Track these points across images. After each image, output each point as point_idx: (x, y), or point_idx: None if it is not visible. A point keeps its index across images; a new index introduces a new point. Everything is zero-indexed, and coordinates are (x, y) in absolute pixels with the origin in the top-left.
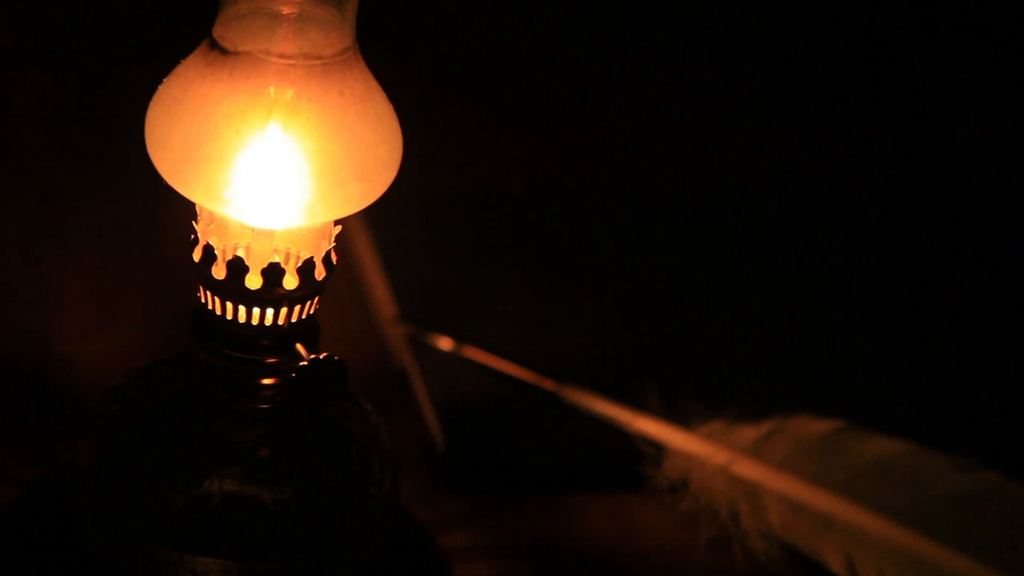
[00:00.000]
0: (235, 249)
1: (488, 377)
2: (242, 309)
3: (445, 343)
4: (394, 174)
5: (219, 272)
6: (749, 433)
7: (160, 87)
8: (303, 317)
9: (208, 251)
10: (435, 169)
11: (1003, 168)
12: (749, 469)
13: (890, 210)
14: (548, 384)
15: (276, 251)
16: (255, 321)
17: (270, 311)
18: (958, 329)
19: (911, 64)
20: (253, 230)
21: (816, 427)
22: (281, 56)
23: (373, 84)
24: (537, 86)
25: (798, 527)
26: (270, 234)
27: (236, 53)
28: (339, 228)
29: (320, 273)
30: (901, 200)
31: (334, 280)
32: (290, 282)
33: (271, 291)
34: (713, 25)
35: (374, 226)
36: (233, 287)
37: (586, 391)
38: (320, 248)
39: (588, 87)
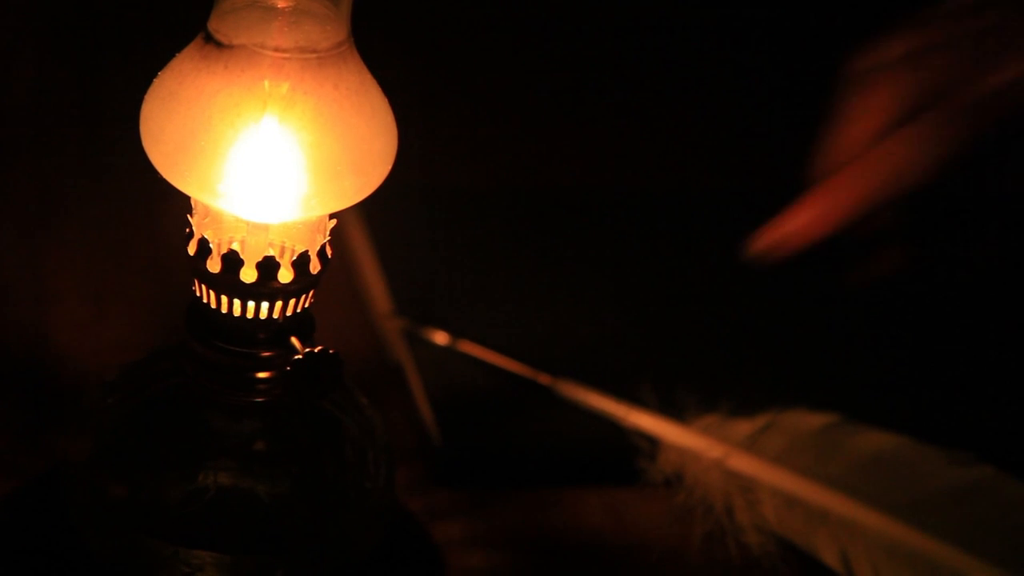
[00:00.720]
0: (230, 243)
1: (484, 371)
2: (237, 302)
3: (441, 337)
4: (389, 167)
5: (214, 266)
6: (744, 427)
7: (155, 80)
8: (298, 311)
9: (203, 245)
10: (431, 162)
11: (1002, 166)
12: (744, 463)
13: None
14: (544, 378)
15: (271, 245)
16: (250, 315)
17: (265, 305)
18: (954, 324)
19: None
20: (248, 224)
21: (811, 421)
22: (276, 49)
23: (368, 77)
24: (534, 80)
25: (793, 521)
26: (265, 228)
27: (231, 46)
28: (334, 222)
29: (315, 267)
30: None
31: (329, 274)
32: (285, 276)
33: (266, 285)
34: (714, 20)
35: (370, 220)
36: (228, 281)
37: (582, 385)
38: (315, 242)
39: (586, 82)
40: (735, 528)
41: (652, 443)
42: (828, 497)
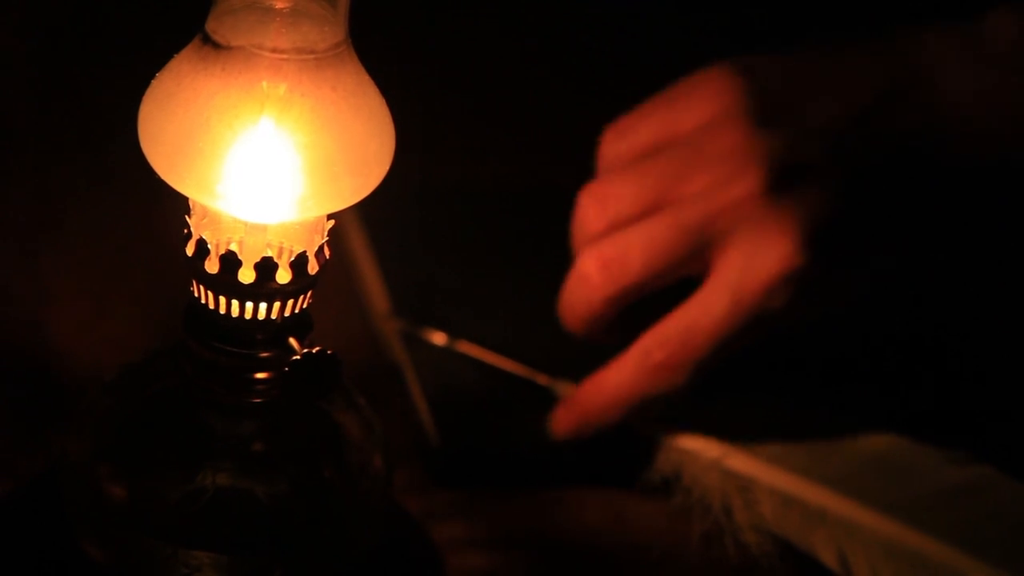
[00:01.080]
0: (228, 243)
1: (482, 372)
2: (235, 303)
3: (438, 338)
4: (387, 168)
5: (212, 266)
6: (742, 427)
7: (153, 82)
8: (296, 311)
9: (201, 245)
10: (429, 163)
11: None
12: (742, 463)
13: None
14: (542, 379)
15: (269, 245)
16: (248, 315)
17: (263, 305)
18: (950, 324)
19: None
20: (246, 224)
21: (809, 422)
22: (274, 51)
23: (365, 79)
24: (533, 79)
25: (791, 521)
26: (263, 228)
27: (229, 47)
28: (332, 222)
29: (313, 267)
30: None
31: (328, 274)
32: (283, 276)
33: (264, 285)
34: (714, 21)
35: (368, 220)
36: (226, 281)
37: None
38: (313, 242)
39: (586, 80)
40: (733, 528)
41: (650, 443)
42: (826, 496)
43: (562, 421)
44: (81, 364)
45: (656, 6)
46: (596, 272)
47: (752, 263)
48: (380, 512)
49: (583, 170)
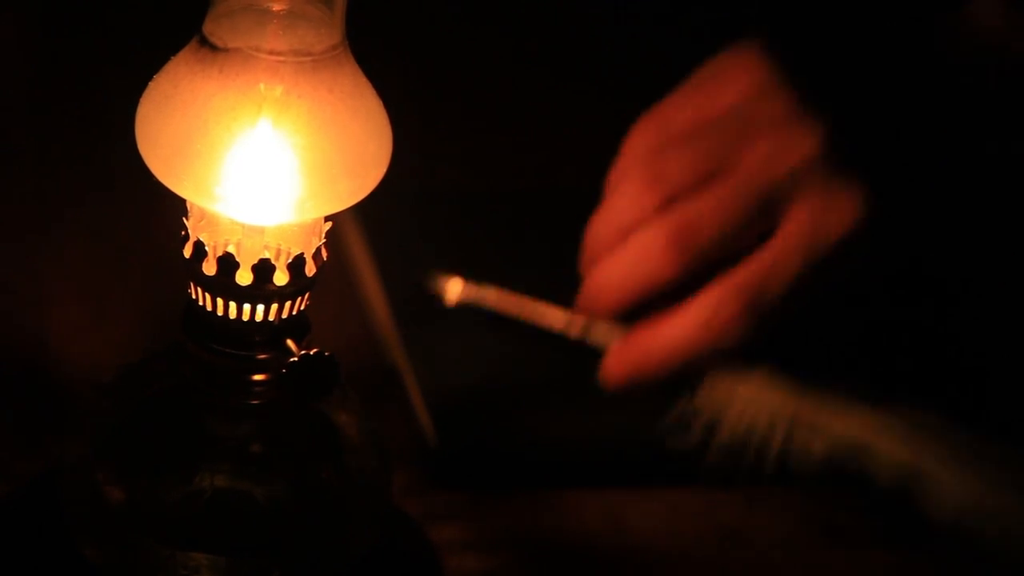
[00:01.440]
0: (226, 245)
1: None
2: (232, 305)
3: (490, 294)
4: (384, 170)
5: (209, 268)
6: None
7: (150, 84)
8: (293, 313)
9: (199, 247)
10: (427, 164)
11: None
12: (784, 401)
13: None
14: (576, 323)
15: (267, 247)
16: (245, 317)
17: (260, 307)
18: (952, 325)
19: None
20: (243, 226)
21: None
22: (271, 52)
23: (363, 80)
24: (534, 80)
25: (840, 450)
26: (260, 230)
27: (226, 50)
28: (329, 224)
29: (310, 269)
30: None
31: (325, 276)
32: (280, 278)
33: (261, 287)
34: (712, 18)
35: (367, 222)
36: (223, 283)
37: (616, 326)
38: (310, 244)
39: (587, 80)
40: (781, 449)
41: (691, 382)
42: (871, 434)
43: (613, 371)
44: (79, 365)
45: (656, 7)
46: (668, 242)
47: (825, 219)
48: (378, 514)
49: (583, 170)
